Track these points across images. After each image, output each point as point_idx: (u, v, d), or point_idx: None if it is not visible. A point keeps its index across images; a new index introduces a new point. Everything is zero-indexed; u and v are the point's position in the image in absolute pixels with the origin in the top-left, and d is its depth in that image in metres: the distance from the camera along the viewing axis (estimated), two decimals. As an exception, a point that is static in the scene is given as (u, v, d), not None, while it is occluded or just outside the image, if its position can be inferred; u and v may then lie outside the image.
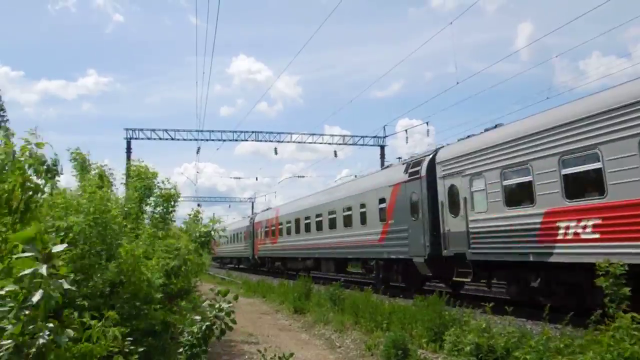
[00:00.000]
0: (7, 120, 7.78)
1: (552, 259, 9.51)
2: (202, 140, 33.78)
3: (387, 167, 17.79)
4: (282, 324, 12.29)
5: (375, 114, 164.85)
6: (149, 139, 32.95)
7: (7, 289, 2.32)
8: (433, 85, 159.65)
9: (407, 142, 51.96)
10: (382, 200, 16.74)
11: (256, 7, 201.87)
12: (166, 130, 33.29)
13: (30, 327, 2.29)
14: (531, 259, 10.03)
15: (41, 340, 2.29)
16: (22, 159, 3.72)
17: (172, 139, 33.43)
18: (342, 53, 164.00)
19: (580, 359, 5.22)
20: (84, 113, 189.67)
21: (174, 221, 10.81)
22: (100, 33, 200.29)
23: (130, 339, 3.91)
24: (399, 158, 18.36)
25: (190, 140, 33.73)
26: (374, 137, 35.42)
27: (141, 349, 4.31)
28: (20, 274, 2.32)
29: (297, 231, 25.67)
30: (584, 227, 8.85)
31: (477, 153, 11.90)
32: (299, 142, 36.63)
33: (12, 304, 2.32)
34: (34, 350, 2.26)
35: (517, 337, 6.39)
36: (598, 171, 8.72)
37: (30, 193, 3.66)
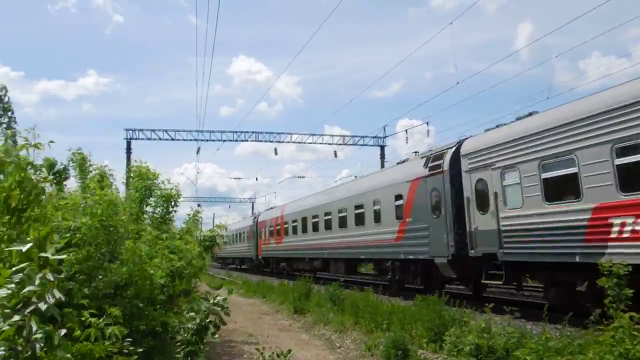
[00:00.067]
0: (15, 121, 8.39)
1: (604, 260, 8.44)
2: (202, 140, 33.76)
3: (403, 161, 16.73)
4: (282, 324, 12.17)
5: (375, 114, 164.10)
6: (148, 139, 32.88)
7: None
8: (433, 85, 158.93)
9: (407, 143, 51.66)
10: (398, 197, 15.68)
11: (256, 8, 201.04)
12: (166, 131, 33.17)
13: (24, 333, 2.28)
14: (577, 259, 8.97)
15: (36, 345, 2.29)
16: (20, 157, 3.68)
17: (172, 139, 33.32)
18: (342, 53, 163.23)
19: (580, 359, 5.21)
20: (83, 113, 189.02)
21: (174, 221, 10.90)
22: (100, 33, 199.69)
23: (130, 339, 3.87)
24: (416, 152, 17.33)
25: (190, 140, 33.67)
26: (374, 137, 35.31)
27: (140, 350, 4.24)
28: (14, 276, 2.32)
29: (304, 230, 24.60)
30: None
31: (510, 143, 10.84)
32: (299, 143, 36.63)
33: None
34: (29, 353, 2.28)
35: (517, 338, 6.37)
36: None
37: (28, 192, 3.64)
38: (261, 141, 34.77)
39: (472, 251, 11.92)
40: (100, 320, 3.32)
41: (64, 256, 2.67)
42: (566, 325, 6.59)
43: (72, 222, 5.00)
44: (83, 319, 3.24)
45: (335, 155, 35.12)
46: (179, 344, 5.38)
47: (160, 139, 33.13)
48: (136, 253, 5.68)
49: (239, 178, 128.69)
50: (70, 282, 4.37)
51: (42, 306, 2.33)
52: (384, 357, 7.48)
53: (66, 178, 7.70)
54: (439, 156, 13.73)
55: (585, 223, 8.86)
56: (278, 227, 29.28)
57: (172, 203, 10.43)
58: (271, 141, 34.81)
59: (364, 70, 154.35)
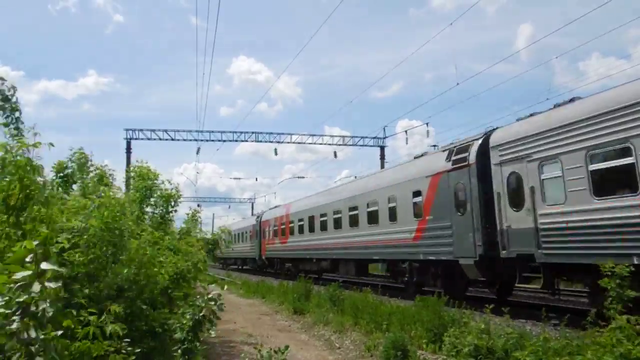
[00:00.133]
0: (22, 122, 5.73)
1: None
2: (202, 140, 33.75)
3: (421, 155, 15.66)
4: (281, 324, 12.10)
5: (375, 115, 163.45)
6: (148, 139, 32.85)
7: None
8: (433, 86, 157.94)
9: (407, 143, 51.05)
10: (416, 194, 14.63)
11: (256, 8, 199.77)
12: (166, 131, 33.09)
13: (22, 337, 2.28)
14: (635, 261, 7.91)
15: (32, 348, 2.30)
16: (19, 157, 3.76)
17: (172, 139, 33.27)
18: (342, 53, 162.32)
19: None
20: (83, 113, 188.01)
21: (174, 221, 10.99)
22: (101, 33, 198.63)
23: (128, 340, 3.89)
24: (434, 146, 16.27)
25: (190, 140, 33.66)
26: (374, 137, 35.30)
27: (138, 350, 4.24)
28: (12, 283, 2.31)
29: (312, 230, 23.53)
30: None
31: (549, 132, 9.78)
32: (298, 143, 36.48)
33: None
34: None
35: (516, 339, 6.39)
36: None
37: (28, 191, 3.69)
38: (261, 141, 34.85)
39: (504, 252, 10.87)
40: (102, 318, 3.27)
41: (62, 270, 2.65)
42: (565, 326, 6.56)
43: (78, 223, 5.00)
44: (82, 318, 3.20)
45: (335, 155, 35.06)
46: (176, 341, 5.43)
47: (160, 139, 33.03)
48: (140, 252, 5.79)
49: (239, 178, 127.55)
50: (71, 282, 4.37)
51: (44, 312, 2.30)
52: (384, 358, 7.46)
53: (74, 182, 7.75)
54: (464, 149, 12.68)
55: (644, 220, 7.82)
56: (283, 227, 28.21)
57: (172, 203, 10.54)
58: (271, 141, 34.72)
59: (364, 71, 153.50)
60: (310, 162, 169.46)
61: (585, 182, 8.92)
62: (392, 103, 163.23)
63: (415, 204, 14.71)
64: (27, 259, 2.45)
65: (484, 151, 11.93)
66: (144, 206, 9.74)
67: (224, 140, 34.15)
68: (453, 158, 13.01)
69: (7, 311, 2.32)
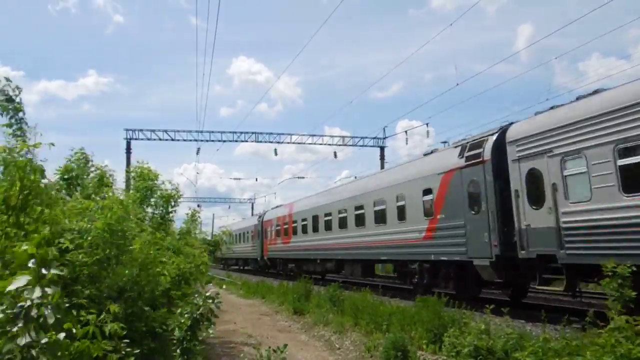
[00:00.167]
0: (26, 122, 5.71)
1: None
2: (202, 141, 33.84)
3: (431, 152, 15.13)
4: (281, 325, 12.06)
5: (375, 115, 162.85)
6: (148, 139, 32.89)
7: None
8: (433, 86, 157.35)
9: (407, 143, 50.78)
10: (427, 192, 14.10)
11: (256, 8, 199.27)
12: (166, 131, 33.14)
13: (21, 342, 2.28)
14: (670, 262, 7.38)
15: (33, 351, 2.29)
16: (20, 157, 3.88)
17: (172, 139, 33.31)
18: (342, 54, 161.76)
19: None
20: (83, 113, 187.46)
21: (174, 222, 11.09)
22: (101, 33, 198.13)
23: (127, 340, 3.92)
24: (444, 142, 15.72)
25: (190, 140, 33.76)
26: (374, 138, 35.36)
27: (137, 351, 4.22)
28: (13, 286, 2.31)
29: (315, 229, 23.00)
30: None
31: (573, 126, 9.25)
32: (298, 143, 36.52)
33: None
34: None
35: (516, 339, 6.38)
36: None
37: (27, 192, 3.77)
38: (261, 142, 34.92)
39: (523, 252, 10.34)
40: (100, 317, 3.25)
41: (63, 272, 2.64)
42: (565, 327, 6.59)
43: (83, 224, 5.02)
44: (82, 318, 3.21)
45: (335, 156, 35.11)
46: (174, 341, 5.45)
47: (160, 139, 33.05)
48: (143, 251, 5.79)
49: (239, 178, 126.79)
50: (72, 284, 4.38)
51: (45, 317, 2.29)
52: (384, 358, 7.42)
53: (78, 184, 7.72)
54: (478, 144, 12.14)
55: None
56: (286, 226, 27.68)
57: (172, 203, 10.59)
58: (271, 142, 34.76)
59: (364, 71, 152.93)
60: (310, 162, 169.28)
61: (614, 178, 8.39)
62: (392, 103, 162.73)
63: (425, 202, 14.18)
64: (30, 264, 2.41)
65: (499, 147, 11.40)
66: (145, 206, 9.74)
67: (224, 141, 34.18)
68: (466, 154, 12.47)
69: (9, 313, 2.31)
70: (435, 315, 8.57)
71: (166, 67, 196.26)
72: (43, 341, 2.30)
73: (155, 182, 10.32)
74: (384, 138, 35.48)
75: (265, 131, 36.09)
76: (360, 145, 35.87)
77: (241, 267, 42.65)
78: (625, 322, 5.16)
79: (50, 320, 2.36)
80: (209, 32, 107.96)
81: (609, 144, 8.48)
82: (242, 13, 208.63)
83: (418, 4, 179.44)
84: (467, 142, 12.76)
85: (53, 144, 4.48)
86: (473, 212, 12.03)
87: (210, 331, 7.27)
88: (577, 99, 9.84)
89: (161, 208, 10.50)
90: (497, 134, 11.68)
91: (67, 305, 3.13)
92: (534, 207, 10.17)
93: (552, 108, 10.41)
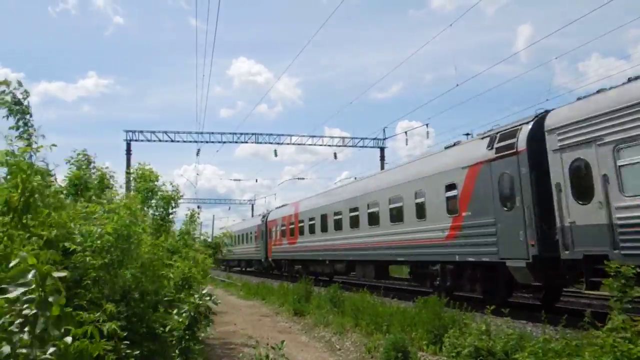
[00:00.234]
0: (33, 125, 5.63)
1: None
2: (202, 142, 33.82)
3: (453, 145, 14.05)
4: (282, 326, 12.05)
5: (375, 116, 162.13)
6: (148, 140, 32.88)
7: None
8: (433, 87, 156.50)
9: (407, 144, 50.26)
10: (450, 187, 13.04)
11: (256, 9, 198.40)
12: (166, 132, 33.11)
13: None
14: None
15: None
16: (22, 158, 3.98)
17: (172, 140, 33.25)
18: (342, 54, 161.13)
19: None
20: (83, 114, 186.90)
21: (174, 223, 11.15)
22: (100, 35, 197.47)
23: (127, 342, 3.97)
24: (467, 134, 14.65)
25: (190, 142, 33.72)
26: (374, 138, 35.37)
27: (137, 352, 4.29)
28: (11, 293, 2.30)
29: (324, 229, 21.93)
30: None
31: (629, 109, 8.20)
32: (298, 144, 36.49)
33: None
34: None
35: (516, 340, 6.40)
36: None
37: (28, 194, 3.75)
38: (261, 143, 34.88)
39: (567, 252, 9.28)
40: (96, 315, 3.29)
41: (64, 273, 2.45)
42: (564, 327, 6.62)
43: (94, 228, 5.10)
44: (78, 319, 3.20)
45: (335, 156, 35.16)
46: (173, 341, 5.49)
47: (160, 140, 32.99)
48: (150, 252, 6.08)
49: (239, 180, 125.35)
50: (74, 286, 4.43)
51: (41, 326, 2.25)
52: (384, 359, 7.40)
53: (87, 190, 7.63)
54: (510, 134, 11.08)
55: None
56: (292, 226, 26.60)
57: (172, 204, 10.67)
58: (271, 143, 34.71)
59: (364, 72, 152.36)
60: (310, 163, 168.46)
61: (682, 166, 7.34)
62: (392, 104, 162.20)
63: (448, 198, 13.12)
64: (29, 276, 2.35)
65: (536, 136, 10.35)
66: (146, 208, 9.79)
67: (224, 142, 34.12)
68: (496, 145, 11.42)
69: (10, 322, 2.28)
70: (436, 316, 8.53)
71: (166, 69, 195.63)
72: (51, 350, 2.27)
73: (156, 183, 10.38)
74: (384, 139, 35.40)
75: (265, 132, 37.38)
76: (360, 146, 35.80)
77: (244, 269, 41.56)
78: (622, 322, 5.16)
79: (55, 333, 2.32)
80: (208, 33, 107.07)
81: (675, 129, 7.43)
82: (241, 14, 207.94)
83: (418, 5, 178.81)
84: (497, 133, 11.70)
85: (54, 145, 4.49)
86: (505, 209, 10.97)
87: (209, 330, 7.40)
88: (629, 80, 8.78)
89: (161, 209, 10.54)
90: (532, 122, 10.63)
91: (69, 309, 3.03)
92: (580, 202, 9.12)
93: (599, 92, 9.35)
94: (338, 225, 20.39)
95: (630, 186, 8.20)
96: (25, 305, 2.29)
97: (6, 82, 5.26)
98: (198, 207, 49.68)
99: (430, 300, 9.38)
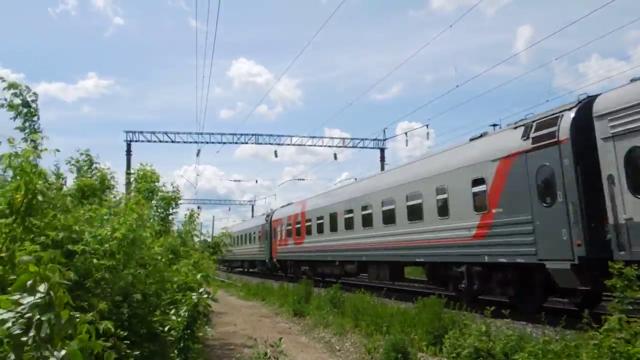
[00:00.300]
0: (40, 128, 5.94)
1: None
2: (202, 142, 33.89)
3: (480, 136, 12.95)
4: (281, 327, 12.02)
5: (375, 117, 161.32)
6: (149, 141, 32.82)
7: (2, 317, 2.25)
8: (433, 88, 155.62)
9: (407, 145, 49.66)
10: (478, 182, 11.97)
11: (256, 10, 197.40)
12: (166, 133, 33.06)
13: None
14: None
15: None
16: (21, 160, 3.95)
17: (172, 141, 33.18)
18: (342, 55, 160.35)
19: None
20: (83, 115, 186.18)
21: (174, 223, 11.31)
22: (101, 36, 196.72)
23: (127, 341, 4.18)
24: (494, 125, 13.57)
25: (190, 142, 33.76)
26: (374, 139, 35.41)
27: (137, 352, 4.39)
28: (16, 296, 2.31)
29: (333, 228, 20.86)
30: None
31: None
32: (298, 145, 36.91)
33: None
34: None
35: (516, 341, 6.40)
36: None
37: (31, 197, 3.84)
38: (261, 143, 34.95)
39: (623, 253, 8.22)
40: (90, 314, 3.28)
41: (70, 275, 2.66)
42: (564, 328, 6.60)
43: (101, 231, 5.17)
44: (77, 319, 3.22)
45: (335, 157, 35.18)
46: (171, 340, 5.51)
47: (160, 141, 32.92)
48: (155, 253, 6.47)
49: (239, 180, 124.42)
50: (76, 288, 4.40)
51: (46, 330, 2.26)
52: None
53: (94, 195, 7.52)
54: (550, 122, 10.01)
55: None
56: (298, 226, 25.52)
57: (173, 205, 10.79)
58: (271, 143, 34.65)
59: (364, 73, 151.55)
60: (311, 164, 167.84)
61: None
62: (392, 105, 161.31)
63: (476, 194, 12.05)
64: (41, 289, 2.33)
65: (581, 123, 9.31)
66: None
67: (224, 143, 34.17)
68: (533, 135, 10.35)
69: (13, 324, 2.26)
70: (435, 317, 8.52)
71: (166, 69, 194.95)
72: (62, 354, 2.27)
73: (157, 184, 10.37)
74: (384, 140, 35.36)
75: (265, 133, 36.91)
76: (361, 147, 35.74)
77: (246, 270, 40.50)
78: (619, 322, 5.19)
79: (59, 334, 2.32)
80: (208, 34, 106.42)
81: None
82: (241, 15, 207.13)
83: (418, 6, 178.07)
84: (533, 121, 10.63)
85: (58, 150, 4.58)
86: (545, 205, 9.90)
87: (209, 330, 7.43)
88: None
89: (161, 210, 10.47)
90: (576, 108, 9.57)
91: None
92: (638, 196, 8.06)
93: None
94: (349, 224, 19.32)
95: None
96: (30, 309, 2.25)
97: (16, 85, 5.36)
98: (198, 207, 48.81)
99: (430, 301, 9.30)
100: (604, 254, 8.56)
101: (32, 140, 5.13)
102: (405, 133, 36.61)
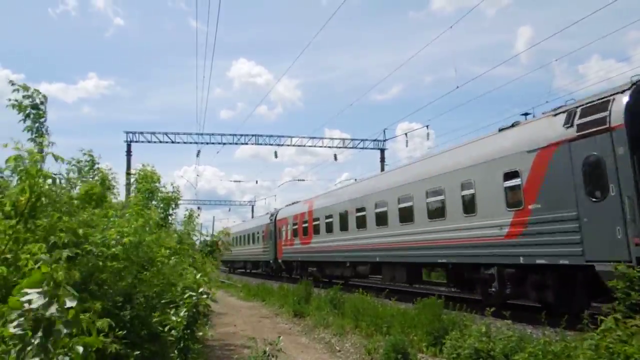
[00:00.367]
0: (47, 131, 5.90)
1: None
2: (202, 143, 33.88)
3: (511, 126, 11.88)
4: (282, 327, 12.01)
5: (375, 118, 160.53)
6: (149, 142, 32.72)
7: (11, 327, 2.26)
8: (433, 89, 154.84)
9: (407, 146, 49.14)
10: (510, 176, 10.93)
11: (256, 11, 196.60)
12: (166, 134, 33.04)
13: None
14: None
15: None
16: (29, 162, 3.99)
17: (172, 142, 33.12)
18: (342, 56, 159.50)
19: None
20: (84, 116, 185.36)
21: (173, 224, 11.27)
22: (101, 36, 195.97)
23: (126, 340, 4.22)
24: (526, 114, 12.51)
25: (190, 143, 33.72)
26: (374, 140, 35.28)
27: (137, 352, 4.50)
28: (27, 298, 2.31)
29: (344, 228, 19.80)
30: None
31: None
32: (299, 146, 36.30)
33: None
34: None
35: (516, 342, 6.39)
36: None
37: (34, 199, 3.92)
38: (261, 144, 34.73)
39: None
40: (87, 315, 3.10)
41: (72, 277, 2.85)
42: (565, 329, 6.58)
43: (110, 234, 5.31)
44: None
45: (335, 158, 35.13)
46: (171, 340, 5.52)
47: (160, 141, 32.80)
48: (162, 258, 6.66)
49: (239, 181, 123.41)
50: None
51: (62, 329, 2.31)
52: None
53: (101, 201, 7.31)
54: (600, 107, 8.97)
55: None
56: (305, 225, 24.46)
57: (172, 206, 10.87)
58: (271, 144, 34.55)
59: (364, 74, 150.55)
60: (311, 164, 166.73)
61: None
62: (392, 106, 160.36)
63: (508, 189, 11.00)
64: (44, 284, 2.36)
65: (635, 108, 8.28)
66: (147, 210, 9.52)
67: (224, 143, 34.05)
68: (578, 122, 9.31)
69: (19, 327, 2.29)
70: (435, 318, 8.54)
71: (166, 70, 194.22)
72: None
73: (157, 184, 10.41)
74: (384, 140, 35.22)
75: (265, 133, 35.88)
76: (361, 148, 35.65)
77: (250, 270, 39.44)
78: (615, 323, 5.26)
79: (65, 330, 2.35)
80: (209, 34, 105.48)
81: None
82: (242, 15, 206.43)
83: (418, 6, 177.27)
84: (577, 107, 9.58)
85: (63, 160, 4.50)
86: (594, 199, 8.86)
87: (209, 330, 7.50)
88: None
89: (161, 210, 10.42)
90: (630, 91, 8.54)
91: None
92: None
93: None
94: (361, 223, 18.26)
95: None
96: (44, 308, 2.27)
97: (26, 87, 5.50)
98: (198, 208, 47.95)
99: (429, 301, 9.32)
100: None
101: (38, 143, 5.22)
102: (406, 134, 34.46)
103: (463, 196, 12.54)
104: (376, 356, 8.03)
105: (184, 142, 33.50)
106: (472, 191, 12.21)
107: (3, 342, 2.31)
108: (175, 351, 5.49)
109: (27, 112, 5.55)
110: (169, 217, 11.04)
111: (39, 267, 2.42)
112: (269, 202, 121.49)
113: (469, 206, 12.28)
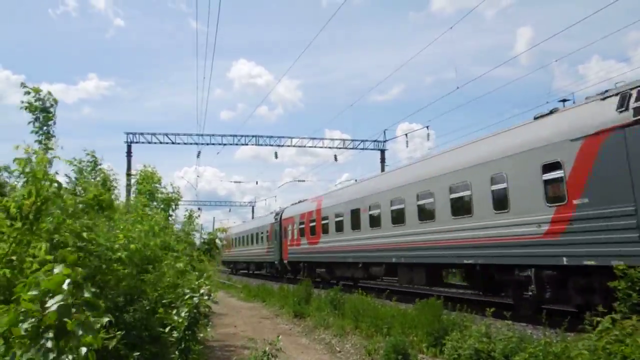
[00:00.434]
0: (54, 134, 6.09)
1: None
2: (202, 144, 33.88)
3: (549, 113, 10.79)
4: (282, 328, 12.00)
5: (375, 118, 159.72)
6: (149, 142, 32.64)
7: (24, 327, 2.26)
8: (433, 89, 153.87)
9: (407, 146, 48.74)
10: (550, 167, 9.86)
11: (257, 11, 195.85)
12: (166, 134, 33.04)
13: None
14: None
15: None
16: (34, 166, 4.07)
17: (173, 142, 33.08)
18: (342, 57, 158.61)
19: None
20: (84, 116, 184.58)
21: (174, 224, 11.34)
22: (101, 37, 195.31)
23: (125, 340, 4.27)
24: (564, 101, 11.41)
25: (191, 144, 33.70)
26: (374, 141, 35.20)
27: (137, 353, 4.58)
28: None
29: (356, 227, 18.73)
30: None
31: None
32: (299, 146, 36.44)
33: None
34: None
35: (516, 342, 6.38)
36: None
37: (40, 203, 3.93)
38: (261, 145, 34.68)
39: None
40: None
41: (79, 275, 2.59)
42: (566, 330, 6.53)
43: (119, 240, 5.47)
44: None
45: (336, 159, 35.13)
46: (172, 341, 5.53)
47: (160, 142, 32.76)
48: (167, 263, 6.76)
49: (239, 182, 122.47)
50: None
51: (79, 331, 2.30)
52: None
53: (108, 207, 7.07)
54: (661, 87, 7.91)
55: None
56: (313, 224, 23.39)
57: (173, 206, 10.95)
58: (271, 145, 34.52)
59: (364, 74, 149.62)
60: (311, 165, 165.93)
61: None
62: (392, 106, 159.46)
63: (548, 182, 9.93)
64: (64, 285, 2.37)
65: None
66: (147, 210, 9.60)
67: (225, 144, 34.04)
68: (634, 105, 8.24)
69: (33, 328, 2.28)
70: (435, 318, 8.56)
71: (167, 71, 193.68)
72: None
73: (157, 185, 10.61)
74: (385, 141, 35.10)
75: (265, 134, 37.57)
76: (361, 149, 35.61)
77: (253, 272, 38.37)
78: (611, 323, 5.29)
79: (80, 332, 2.33)
80: (209, 35, 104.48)
81: None
82: (242, 16, 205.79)
83: (418, 7, 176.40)
84: (633, 88, 8.52)
85: (70, 162, 5.30)
86: (656, 192, 7.79)
87: (209, 329, 7.82)
88: None
89: (162, 210, 10.49)
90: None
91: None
92: None
93: None
94: (375, 222, 17.19)
95: None
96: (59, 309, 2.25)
97: (37, 90, 5.67)
98: (199, 209, 47.16)
99: (430, 302, 9.33)
100: None
101: (44, 145, 5.28)
102: (406, 134, 34.42)
103: (493, 191, 11.47)
104: (376, 357, 8.03)
105: (185, 143, 33.41)
106: (503, 185, 11.13)
107: (7, 342, 2.29)
108: (176, 352, 5.49)
109: (36, 114, 5.65)
110: (169, 217, 11.01)
111: (52, 270, 2.42)
112: (269, 202, 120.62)
113: (500, 202, 11.21)
